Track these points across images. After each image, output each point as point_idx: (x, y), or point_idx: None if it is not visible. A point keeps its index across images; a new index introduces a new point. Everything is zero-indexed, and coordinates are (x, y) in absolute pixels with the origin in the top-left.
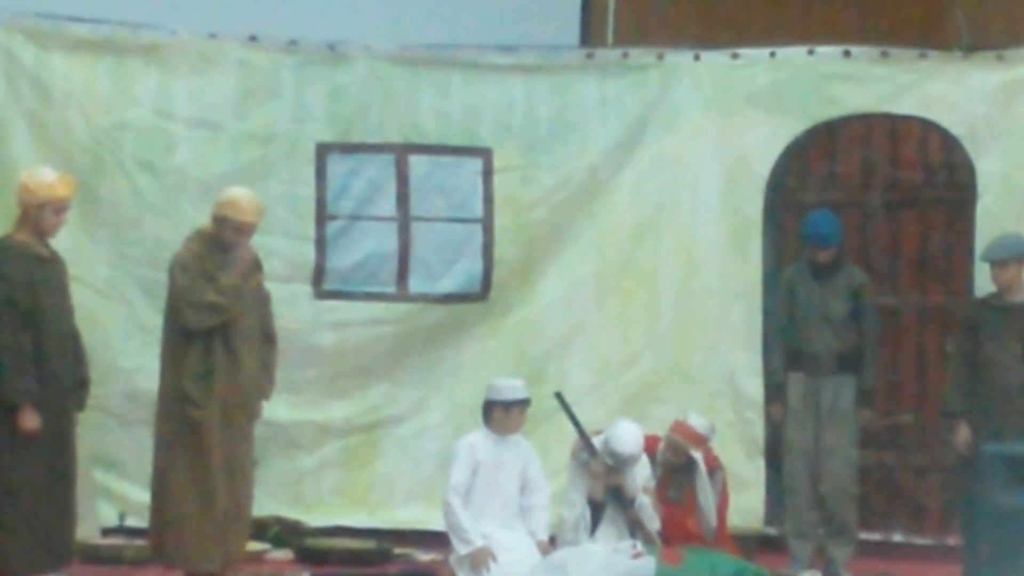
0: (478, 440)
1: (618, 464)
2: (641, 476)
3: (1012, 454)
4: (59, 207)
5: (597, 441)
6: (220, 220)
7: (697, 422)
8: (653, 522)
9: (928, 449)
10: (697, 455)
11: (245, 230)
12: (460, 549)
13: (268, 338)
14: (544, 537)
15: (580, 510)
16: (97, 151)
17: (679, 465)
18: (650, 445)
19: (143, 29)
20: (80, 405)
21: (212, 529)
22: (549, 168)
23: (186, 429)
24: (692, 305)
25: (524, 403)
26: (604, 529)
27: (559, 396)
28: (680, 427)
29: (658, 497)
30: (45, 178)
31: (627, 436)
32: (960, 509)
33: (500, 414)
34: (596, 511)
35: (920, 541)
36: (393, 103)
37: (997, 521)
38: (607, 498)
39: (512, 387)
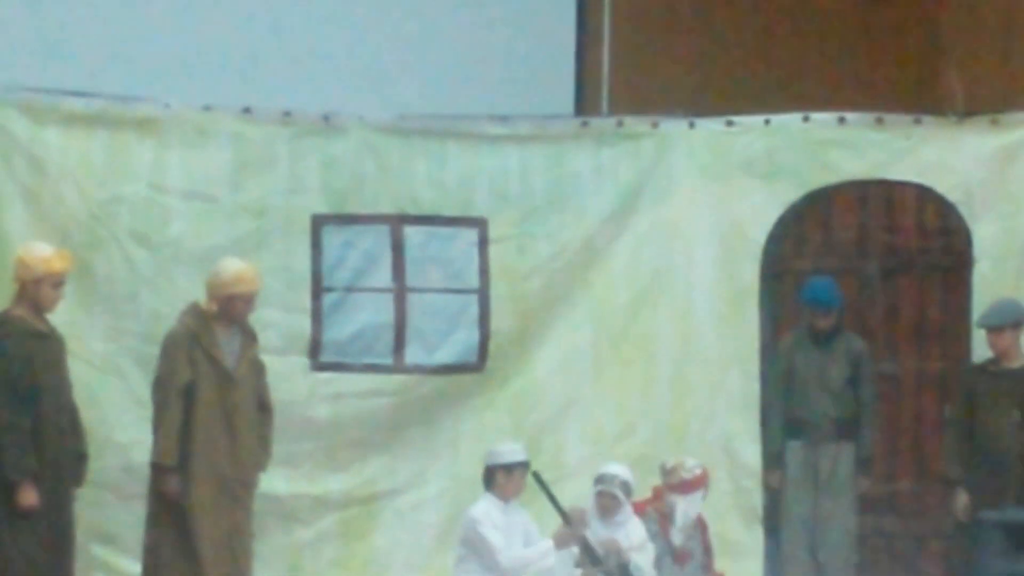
0: (490, 508)
1: (604, 485)
2: (636, 535)
3: (1011, 521)
4: (56, 281)
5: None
6: (229, 298)
7: (671, 467)
8: None
9: (927, 516)
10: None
11: (254, 300)
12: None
13: (264, 409)
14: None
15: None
16: (92, 225)
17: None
18: (639, 509)
19: (137, 102)
20: (79, 480)
21: None
22: (545, 237)
23: (173, 505)
24: (689, 373)
25: (524, 465)
26: None
27: (536, 475)
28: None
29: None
30: (42, 253)
31: (614, 464)
32: None
33: (502, 478)
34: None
35: None
36: (388, 174)
37: None
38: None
39: (512, 450)
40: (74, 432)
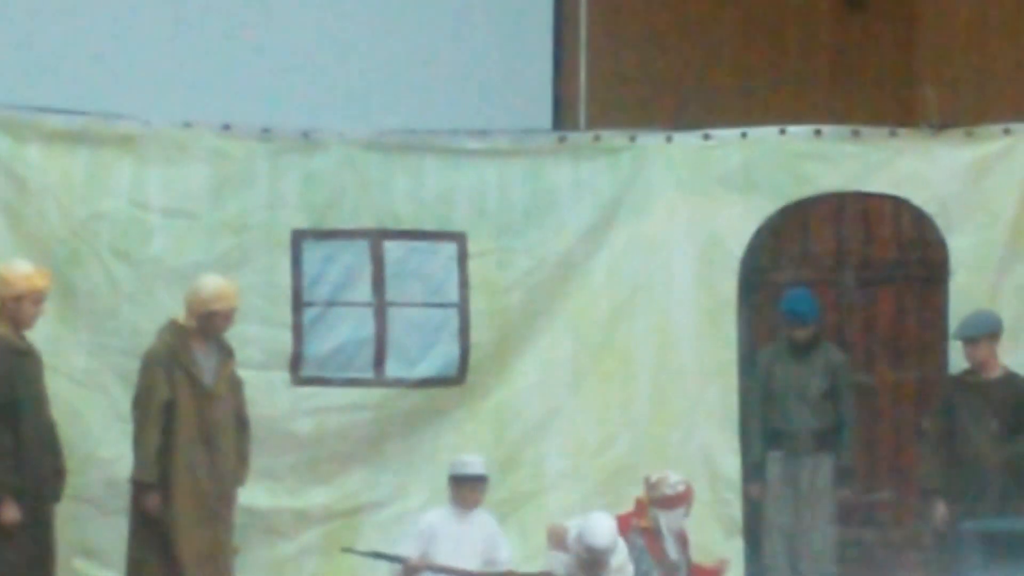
0: (437, 516)
1: (594, 557)
2: (615, 559)
3: (990, 530)
4: (37, 299)
5: (572, 534)
6: (209, 315)
7: (655, 480)
8: None
9: (906, 526)
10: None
11: (233, 316)
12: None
13: (242, 424)
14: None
15: None
16: (73, 242)
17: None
18: (624, 525)
19: (117, 119)
20: (56, 495)
21: None
22: (524, 251)
23: (155, 522)
24: (668, 385)
25: (480, 479)
26: None
27: (349, 551)
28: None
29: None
30: (23, 270)
31: (601, 529)
32: None
33: (455, 489)
34: None
35: None
36: (367, 189)
37: None
38: None
39: (468, 463)
40: (52, 448)
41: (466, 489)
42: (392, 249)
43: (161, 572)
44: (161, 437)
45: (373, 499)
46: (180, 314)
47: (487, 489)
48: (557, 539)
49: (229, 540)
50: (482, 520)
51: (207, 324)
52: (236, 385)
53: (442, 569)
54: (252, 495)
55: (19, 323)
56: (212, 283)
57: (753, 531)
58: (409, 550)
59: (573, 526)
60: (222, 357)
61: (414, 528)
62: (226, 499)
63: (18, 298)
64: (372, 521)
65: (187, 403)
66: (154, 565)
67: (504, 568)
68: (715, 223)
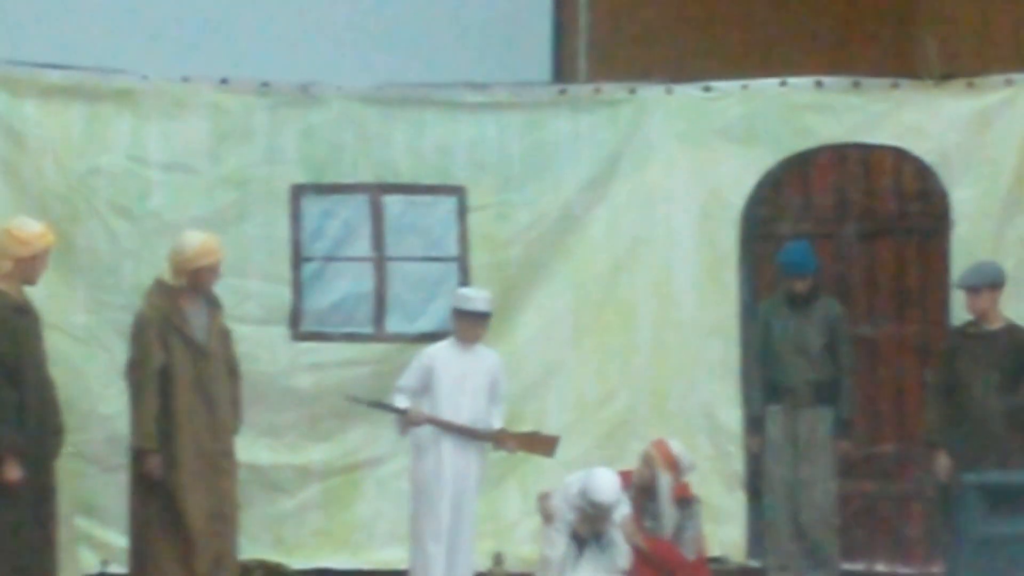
0: (439, 349)
1: (599, 513)
2: (617, 513)
3: (992, 482)
4: (47, 256)
5: (573, 488)
6: (197, 271)
7: (678, 449)
8: (622, 558)
9: (909, 478)
10: (663, 476)
11: (219, 268)
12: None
13: (233, 373)
14: (499, 425)
15: (563, 549)
16: (72, 198)
17: (648, 483)
18: (627, 481)
19: (115, 75)
20: (55, 452)
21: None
22: (524, 205)
23: (158, 483)
24: (669, 339)
25: (482, 316)
26: (583, 566)
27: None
28: (659, 444)
29: (637, 527)
30: (36, 228)
31: (604, 484)
32: (942, 538)
33: (456, 323)
34: (579, 545)
35: (902, 570)
36: (366, 143)
37: (978, 549)
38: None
39: (472, 299)
40: (53, 406)
41: (466, 323)
42: (391, 203)
43: (166, 531)
44: (159, 402)
45: (373, 455)
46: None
47: (488, 326)
48: (547, 515)
49: (235, 494)
50: (484, 355)
51: (195, 280)
52: (226, 336)
53: (439, 423)
54: (253, 452)
55: (30, 280)
56: (195, 239)
57: (754, 484)
58: (410, 380)
59: (573, 481)
60: (211, 311)
61: (416, 360)
62: (227, 452)
63: (34, 257)
64: (372, 477)
65: (183, 364)
66: (158, 525)
67: (499, 406)
68: (716, 175)
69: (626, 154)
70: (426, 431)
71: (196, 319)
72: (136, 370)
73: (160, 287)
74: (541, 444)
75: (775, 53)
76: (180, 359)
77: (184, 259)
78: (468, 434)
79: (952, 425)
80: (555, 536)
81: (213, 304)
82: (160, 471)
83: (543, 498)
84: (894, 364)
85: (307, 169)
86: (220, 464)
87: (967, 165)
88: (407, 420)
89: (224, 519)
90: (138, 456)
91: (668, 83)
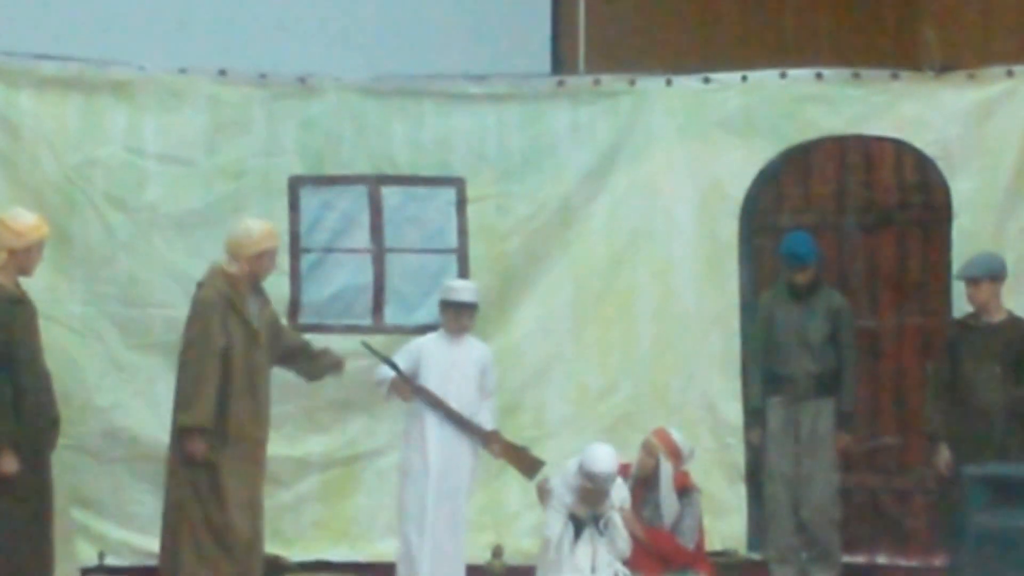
0: (428, 340)
1: (596, 485)
2: (617, 497)
3: (994, 475)
4: (42, 247)
5: (572, 468)
6: (259, 255)
7: (679, 437)
8: (623, 542)
9: (910, 471)
10: (666, 464)
11: (276, 255)
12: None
13: (303, 348)
14: (491, 427)
15: (560, 528)
16: (68, 189)
17: (649, 472)
18: (626, 472)
19: (112, 66)
20: (52, 445)
21: (231, 569)
22: (523, 197)
23: (197, 466)
24: (669, 331)
25: (468, 307)
26: (581, 547)
27: (365, 344)
28: (660, 432)
29: (635, 517)
30: (31, 219)
31: (601, 455)
32: (943, 531)
33: (443, 314)
34: (577, 527)
35: (904, 563)
36: (365, 135)
37: (980, 542)
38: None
39: (458, 289)
40: (49, 397)
41: (452, 314)
42: (390, 195)
43: (202, 512)
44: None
45: (372, 447)
46: (177, 261)
47: (476, 316)
48: (544, 496)
49: (263, 483)
50: (473, 346)
51: (257, 265)
52: (275, 327)
53: (431, 399)
54: None
55: (25, 272)
56: (258, 223)
57: (755, 477)
58: (400, 360)
59: (572, 463)
60: (262, 300)
61: (408, 346)
62: (263, 442)
63: (29, 248)
64: (371, 469)
65: (240, 349)
66: (195, 505)
67: (490, 402)
68: (716, 167)
69: (626, 146)
70: (414, 422)
71: (252, 306)
72: (197, 351)
73: (221, 272)
74: (525, 462)
75: (775, 45)
76: (238, 344)
77: (251, 242)
78: (457, 420)
79: (953, 418)
80: (552, 516)
81: (263, 295)
82: (206, 452)
83: (542, 482)
84: (895, 356)
85: (305, 161)
86: (257, 454)
87: (968, 157)
88: (397, 383)
89: (254, 511)
90: (184, 434)
91: (668, 75)
